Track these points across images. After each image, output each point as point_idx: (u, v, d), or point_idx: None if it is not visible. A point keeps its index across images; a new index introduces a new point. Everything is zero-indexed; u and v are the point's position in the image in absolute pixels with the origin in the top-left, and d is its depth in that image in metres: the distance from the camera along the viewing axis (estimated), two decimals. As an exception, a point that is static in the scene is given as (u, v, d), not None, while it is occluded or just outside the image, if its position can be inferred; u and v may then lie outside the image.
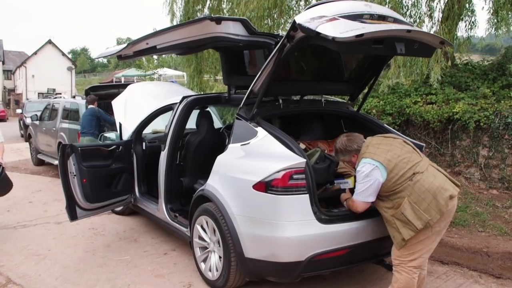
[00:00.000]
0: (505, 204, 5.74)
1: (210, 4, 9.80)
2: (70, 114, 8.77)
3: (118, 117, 5.65)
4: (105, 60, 70.91)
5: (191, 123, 4.65)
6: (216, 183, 3.53)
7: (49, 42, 44.92)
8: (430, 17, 7.48)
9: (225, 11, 9.74)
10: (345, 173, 3.53)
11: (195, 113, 4.62)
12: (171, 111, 4.56)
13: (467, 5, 7.65)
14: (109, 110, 6.77)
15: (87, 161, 4.47)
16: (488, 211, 5.58)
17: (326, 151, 3.72)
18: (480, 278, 3.92)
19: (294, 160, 3.06)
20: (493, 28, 7.64)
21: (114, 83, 21.23)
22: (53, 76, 41.22)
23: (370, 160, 2.88)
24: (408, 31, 2.87)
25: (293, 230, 3.00)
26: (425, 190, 2.78)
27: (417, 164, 2.88)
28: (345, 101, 4.49)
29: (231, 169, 3.44)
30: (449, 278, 3.91)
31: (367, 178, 2.85)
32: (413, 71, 7.15)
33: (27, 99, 30.96)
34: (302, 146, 3.58)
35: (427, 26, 7.50)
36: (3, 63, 45.54)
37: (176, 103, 4.48)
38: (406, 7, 7.22)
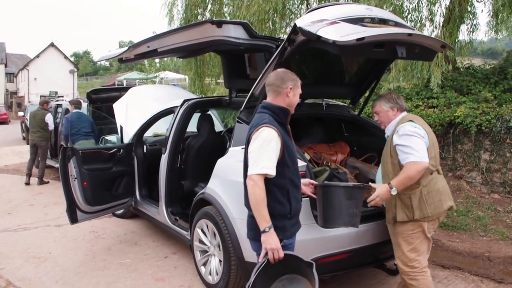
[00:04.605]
0: (507, 208, 5.72)
1: (211, 7, 9.79)
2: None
3: (120, 120, 5.66)
4: (107, 63, 71.14)
5: (192, 126, 4.65)
6: (217, 186, 3.52)
7: (52, 45, 45.08)
8: (431, 21, 7.46)
9: (226, 14, 9.75)
10: None
11: (196, 116, 4.62)
12: (172, 114, 4.56)
13: (468, 8, 7.64)
14: (111, 113, 6.78)
15: (88, 164, 4.47)
16: (489, 216, 5.55)
17: (330, 163, 3.68)
18: (482, 283, 3.90)
19: (295, 163, 3.04)
20: (493, 31, 7.64)
21: (116, 86, 21.28)
22: (55, 79, 41.36)
23: (419, 127, 2.81)
24: (409, 34, 2.86)
25: (293, 234, 2.98)
26: (437, 189, 2.83)
27: (438, 164, 2.91)
28: (346, 104, 4.48)
29: (231, 172, 3.42)
30: (451, 282, 3.89)
31: (421, 139, 2.75)
32: (414, 75, 7.14)
33: (29, 102, 31.03)
34: (308, 156, 3.56)
35: (428, 30, 7.49)
36: (6, 65, 45.72)
37: (177, 106, 4.48)
38: (407, 11, 7.22)
